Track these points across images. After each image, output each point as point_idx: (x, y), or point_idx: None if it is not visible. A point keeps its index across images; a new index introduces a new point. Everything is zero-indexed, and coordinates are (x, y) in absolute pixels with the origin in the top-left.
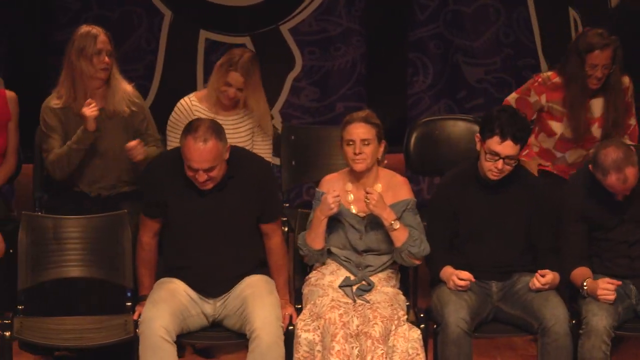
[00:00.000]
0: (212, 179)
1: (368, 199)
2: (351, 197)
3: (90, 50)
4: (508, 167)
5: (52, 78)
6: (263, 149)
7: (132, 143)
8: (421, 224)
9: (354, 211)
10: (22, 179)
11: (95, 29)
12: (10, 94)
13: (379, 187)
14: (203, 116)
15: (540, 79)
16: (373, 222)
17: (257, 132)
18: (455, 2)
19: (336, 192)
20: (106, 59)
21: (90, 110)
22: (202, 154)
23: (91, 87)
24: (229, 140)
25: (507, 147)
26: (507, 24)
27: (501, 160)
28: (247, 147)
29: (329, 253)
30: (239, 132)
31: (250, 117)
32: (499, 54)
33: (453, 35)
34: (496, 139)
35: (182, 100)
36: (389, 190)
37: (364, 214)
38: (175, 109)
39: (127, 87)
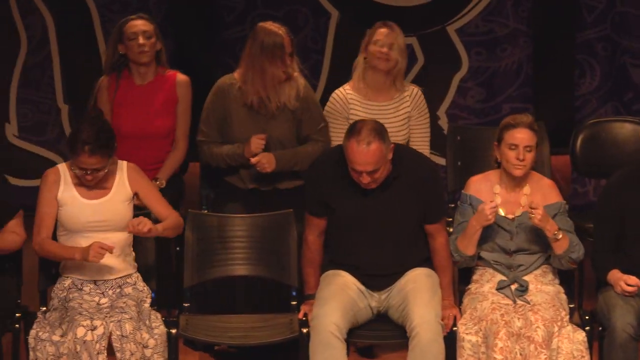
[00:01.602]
0: (376, 180)
1: (533, 214)
2: (499, 199)
3: (277, 52)
4: None
5: (219, 75)
6: (421, 142)
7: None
8: (572, 225)
9: (502, 213)
10: (188, 176)
11: (280, 30)
12: (180, 78)
13: (527, 189)
14: (358, 104)
15: None
16: (523, 223)
17: (415, 125)
18: (623, 4)
19: (493, 203)
20: (290, 61)
21: (257, 144)
22: (365, 157)
23: (273, 86)
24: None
25: None
26: None
27: None
28: (403, 133)
29: (479, 257)
30: (396, 117)
31: (405, 102)
32: None
33: (620, 37)
34: None
35: (336, 91)
36: (538, 192)
37: (513, 216)
38: (330, 99)
39: (301, 82)
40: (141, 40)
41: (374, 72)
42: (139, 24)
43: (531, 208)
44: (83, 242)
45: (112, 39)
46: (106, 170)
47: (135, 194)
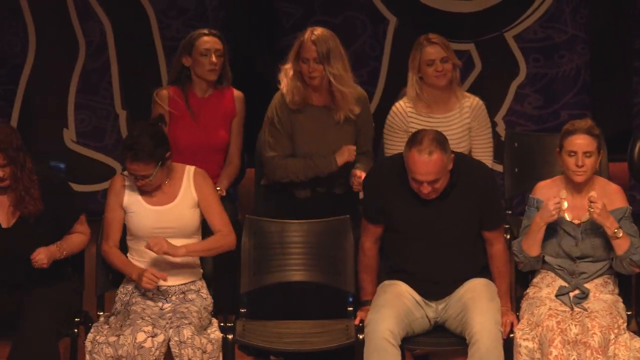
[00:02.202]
0: (436, 190)
1: (592, 208)
2: (565, 204)
3: (299, 55)
4: None
5: (277, 83)
6: (483, 153)
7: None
8: (638, 231)
9: (568, 218)
10: (246, 182)
11: (308, 34)
12: (237, 93)
13: (593, 194)
14: (418, 118)
15: None
16: (589, 229)
17: (477, 135)
18: None
19: (557, 199)
20: (316, 67)
21: (352, 151)
22: (427, 167)
23: (310, 90)
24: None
25: None
26: None
27: None
28: (463, 145)
29: (542, 261)
30: (456, 128)
31: (465, 113)
32: None
33: None
34: None
35: (396, 104)
36: (604, 197)
37: (579, 221)
38: (391, 112)
39: (353, 92)
40: (214, 58)
41: (432, 89)
42: (212, 41)
43: (590, 202)
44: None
45: (181, 50)
46: (151, 179)
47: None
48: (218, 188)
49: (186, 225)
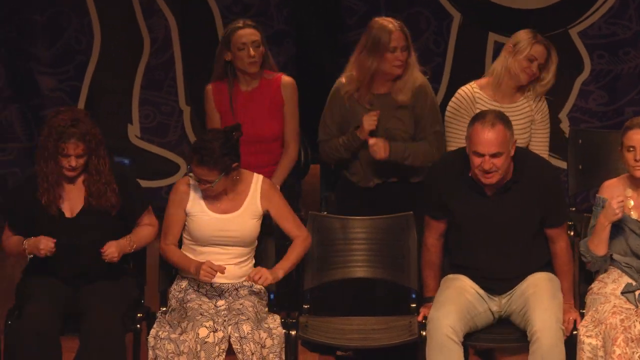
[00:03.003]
0: (497, 169)
1: None
2: (631, 203)
3: (383, 46)
4: None
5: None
6: (540, 145)
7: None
8: None
9: (634, 217)
10: (310, 178)
11: (391, 24)
12: (285, 80)
13: None
14: (485, 103)
15: None
16: None
17: (537, 128)
18: None
19: (620, 197)
20: (404, 54)
21: (369, 121)
22: (489, 138)
23: (381, 79)
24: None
25: None
26: None
27: None
28: (525, 136)
29: (611, 260)
30: (520, 119)
31: (530, 106)
32: None
33: None
34: None
35: (463, 88)
36: None
37: None
38: (456, 95)
39: (419, 79)
40: (251, 51)
41: (511, 79)
42: (248, 34)
43: None
44: (207, 251)
45: (220, 46)
46: (212, 185)
47: (266, 211)
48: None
49: (246, 236)
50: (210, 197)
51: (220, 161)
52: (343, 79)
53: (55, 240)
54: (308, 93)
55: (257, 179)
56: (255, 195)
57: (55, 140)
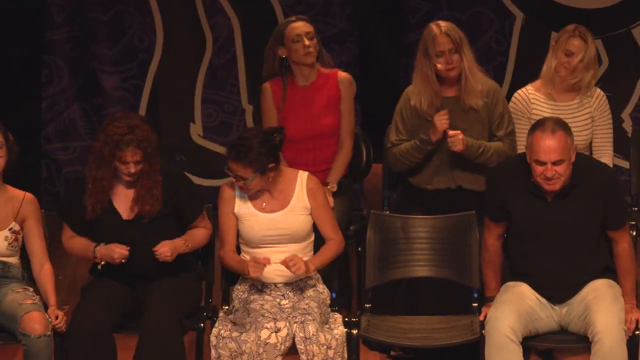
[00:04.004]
0: (560, 176)
1: None
2: None
3: (431, 51)
4: None
5: (403, 78)
6: (604, 144)
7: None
8: None
9: None
10: (372, 178)
11: (436, 28)
12: (342, 75)
13: None
14: (541, 104)
15: None
16: None
17: (598, 125)
18: None
19: None
20: (453, 57)
21: (441, 120)
22: (550, 146)
23: (442, 84)
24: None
25: None
26: None
27: None
28: (585, 133)
29: None
30: (579, 117)
31: (588, 103)
32: None
33: None
34: None
35: (518, 91)
36: None
37: None
38: (513, 99)
39: (488, 82)
40: (306, 41)
41: (558, 76)
42: (301, 26)
43: None
44: (262, 252)
45: (272, 43)
46: (246, 183)
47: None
48: (328, 182)
49: (298, 232)
50: (255, 197)
51: (255, 159)
52: (412, 85)
53: (129, 248)
54: (371, 93)
55: (302, 176)
56: (302, 191)
57: (112, 148)
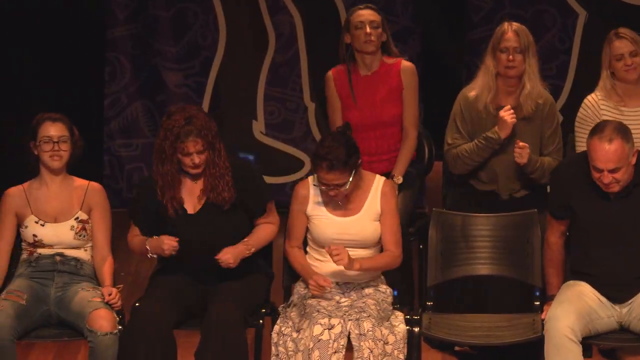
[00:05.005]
0: (617, 181)
1: None
2: None
3: (496, 46)
4: None
5: (466, 76)
6: None
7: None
8: None
9: None
10: (434, 175)
11: (507, 25)
12: (405, 64)
13: None
14: (609, 109)
15: None
16: None
17: None
18: None
19: None
20: (516, 56)
21: (508, 116)
22: (607, 154)
23: (503, 85)
24: (635, 134)
25: None
26: None
27: None
28: None
29: None
30: None
31: None
32: None
33: None
34: None
35: (588, 97)
36: None
37: None
38: (582, 105)
39: (544, 94)
40: (368, 29)
41: (624, 84)
42: (366, 14)
43: None
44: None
45: (342, 30)
46: (347, 187)
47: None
48: (394, 174)
49: (367, 238)
50: (329, 200)
51: (349, 162)
52: (471, 86)
53: (177, 239)
54: (433, 90)
55: (379, 180)
56: (376, 196)
57: (172, 141)
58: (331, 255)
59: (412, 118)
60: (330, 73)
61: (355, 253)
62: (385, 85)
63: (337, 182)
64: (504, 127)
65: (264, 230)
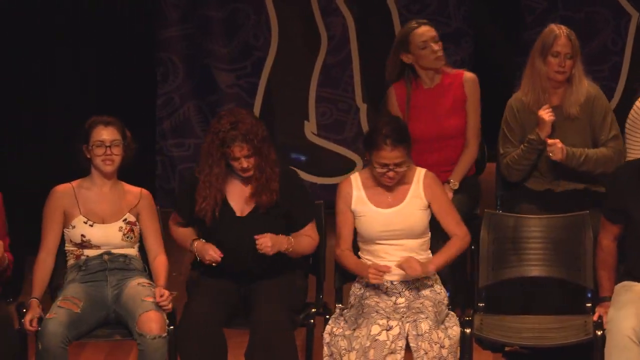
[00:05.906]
0: None
1: None
2: None
3: (547, 50)
4: None
5: (519, 77)
6: None
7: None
8: None
9: None
10: (485, 176)
11: (559, 30)
12: (468, 76)
13: None
14: None
15: None
16: None
17: None
18: None
19: None
20: (567, 62)
21: (546, 114)
22: None
23: (549, 87)
24: None
25: None
26: None
27: None
28: None
29: None
30: None
31: None
32: None
33: None
34: None
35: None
36: None
37: None
38: (634, 107)
39: (586, 88)
40: (434, 47)
41: None
42: (426, 31)
43: None
44: (379, 248)
45: (396, 49)
46: (406, 168)
47: (429, 204)
48: (450, 179)
49: (413, 227)
50: (373, 194)
51: (407, 140)
52: (519, 92)
53: (222, 255)
54: (486, 92)
55: (420, 171)
56: (418, 187)
57: (219, 146)
58: (403, 269)
59: (475, 129)
60: (391, 89)
61: (403, 244)
62: (449, 98)
63: (398, 160)
64: (543, 126)
65: (306, 239)
